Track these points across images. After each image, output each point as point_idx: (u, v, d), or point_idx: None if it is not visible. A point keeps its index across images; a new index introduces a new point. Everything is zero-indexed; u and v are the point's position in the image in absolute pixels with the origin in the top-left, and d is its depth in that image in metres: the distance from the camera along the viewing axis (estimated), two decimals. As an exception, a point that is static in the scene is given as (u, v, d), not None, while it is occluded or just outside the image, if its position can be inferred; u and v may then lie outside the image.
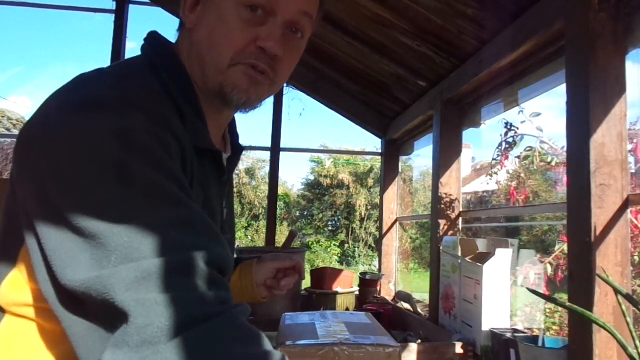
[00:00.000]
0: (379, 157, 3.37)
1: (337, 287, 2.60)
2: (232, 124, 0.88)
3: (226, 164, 0.81)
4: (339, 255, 15.09)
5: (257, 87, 0.72)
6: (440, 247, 2.09)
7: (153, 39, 0.76)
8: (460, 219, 2.21)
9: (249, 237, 15.00)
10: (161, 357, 0.47)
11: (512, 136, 2.10)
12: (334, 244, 15.33)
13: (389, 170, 3.24)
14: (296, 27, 0.73)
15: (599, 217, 1.19)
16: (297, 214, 16.90)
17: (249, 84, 0.71)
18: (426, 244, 11.27)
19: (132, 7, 3.14)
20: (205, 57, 0.71)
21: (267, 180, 3.52)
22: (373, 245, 14.62)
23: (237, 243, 14.39)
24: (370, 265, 13.71)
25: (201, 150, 0.70)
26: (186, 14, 0.74)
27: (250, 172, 16.10)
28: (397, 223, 3.20)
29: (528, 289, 1.20)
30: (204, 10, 0.72)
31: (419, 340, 1.87)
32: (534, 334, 1.52)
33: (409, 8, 1.88)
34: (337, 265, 12.95)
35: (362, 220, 15.53)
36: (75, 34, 33.84)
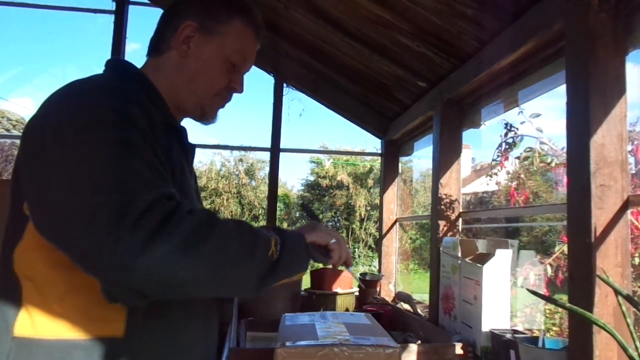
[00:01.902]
0: (379, 157, 3.37)
1: (337, 288, 2.60)
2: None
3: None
4: (339, 256, 15.07)
5: (219, 109, 1.07)
6: (441, 248, 2.09)
7: (116, 62, 1.01)
8: (460, 219, 2.21)
9: (249, 238, 14.98)
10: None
11: (512, 137, 2.10)
12: (334, 245, 15.30)
13: (389, 171, 3.24)
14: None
15: (599, 218, 1.19)
16: (297, 215, 16.90)
17: (219, 107, 1.06)
18: (426, 245, 11.27)
19: (132, 8, 3.14)
20: (199, 84, 0.99)
21: (267, 181, 3.52)
22: (373, 246, 14.62)
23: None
24: (370, 266, 13.70)
25: (171, 127, 0.94)
26: (179, 43, 0.98)
27: (250, 172, 16.09)
28: (397, 224, 3.20)
29: (528, 290, 1.20)
30: (200, 50, 0.98)
31: (419, 341, 1.87)
32: (534, 335, 1.52)
33: (409, 9, 1.88)
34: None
35: (362, 221, 15.52)
36: (77, 36, 33.80)
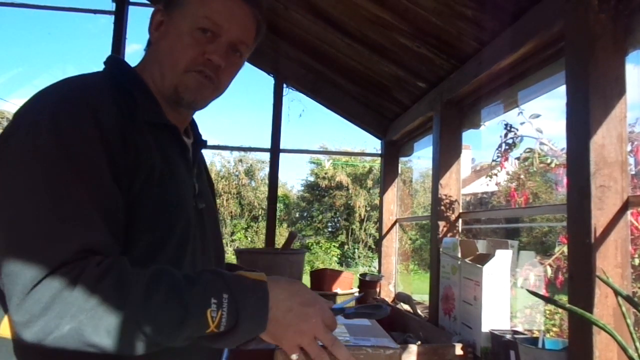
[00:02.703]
0: (379, 158, 3.38)
1: (337, 288, 2.60)
2: (193, 124, 1.07)
3: (192, 150, 1.00)
4: (339, 256, 15.08)
5: (204, 90, 0.92)
6: (440, 249, 2.08)
7: (112, 60, 0.95)
8: (460, 220, 2.21)
9: (249, 239, 14.99)
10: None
11: (512, 138, 2.10)
12: (334, 246, 15.31)
13: (389, 172, 3.24)
14: (236, 48, 0.94)
15: (599, 219, 1.19)
16: (297, 216, 16.89)
17: (198, 87, 0.90)
18: (426, 246, 11.27)
19: (132, 9, 3.14)
20: (165, 64, 0.90)
21: (266, 181, 3.52)
22: (373, 246, 14.62)
23: (237, 244, 14.36)
24: (370, 266, 13.69)
25: (159, 125, 0.88)
26: (152, 31, 0.94)
27: (249, 173, 16.09)
28: (397, 224, 3.20)
29: (528, 290, 1.20)
30: (166, 30, 0.92)
31: (419, 342, 1.87)
32: (534, 335, 1.52)
33: (409, 9, 1.88)
34: (336, 267, 12.94)
35: (362, 221, 15.52)
36: (77, 36, 33.76)
